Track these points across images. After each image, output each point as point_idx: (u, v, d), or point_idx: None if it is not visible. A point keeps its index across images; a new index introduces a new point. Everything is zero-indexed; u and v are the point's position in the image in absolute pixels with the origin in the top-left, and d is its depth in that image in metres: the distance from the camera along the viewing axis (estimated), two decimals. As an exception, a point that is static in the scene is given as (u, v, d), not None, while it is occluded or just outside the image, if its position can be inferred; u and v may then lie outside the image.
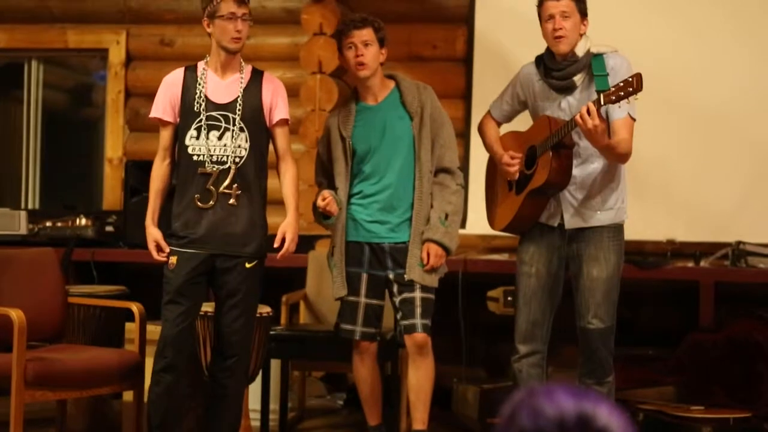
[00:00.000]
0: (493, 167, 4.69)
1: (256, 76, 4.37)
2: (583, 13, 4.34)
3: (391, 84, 4.60)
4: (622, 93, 4.05)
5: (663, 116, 5.92)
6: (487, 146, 4.65)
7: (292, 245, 4.32)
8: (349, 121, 4.54)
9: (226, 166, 4.26)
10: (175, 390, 4.29)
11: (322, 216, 4.49)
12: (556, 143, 4.27)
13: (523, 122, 4.66)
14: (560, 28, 4.28)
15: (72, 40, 6.99)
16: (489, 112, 4.66)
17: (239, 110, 4.29)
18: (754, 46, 6.07)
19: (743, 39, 6.06)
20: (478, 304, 5.67)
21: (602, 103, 4.08)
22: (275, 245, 4.31)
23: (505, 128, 4.68)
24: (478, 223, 5.24)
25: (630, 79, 4.04)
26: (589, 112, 4.06)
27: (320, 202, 4.41)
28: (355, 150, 4.52)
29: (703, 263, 5.70)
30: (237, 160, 4.27)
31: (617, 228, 4.40)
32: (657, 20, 6.11)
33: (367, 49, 4.47)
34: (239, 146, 4.28)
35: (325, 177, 4.62)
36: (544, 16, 4.34)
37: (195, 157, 4.28)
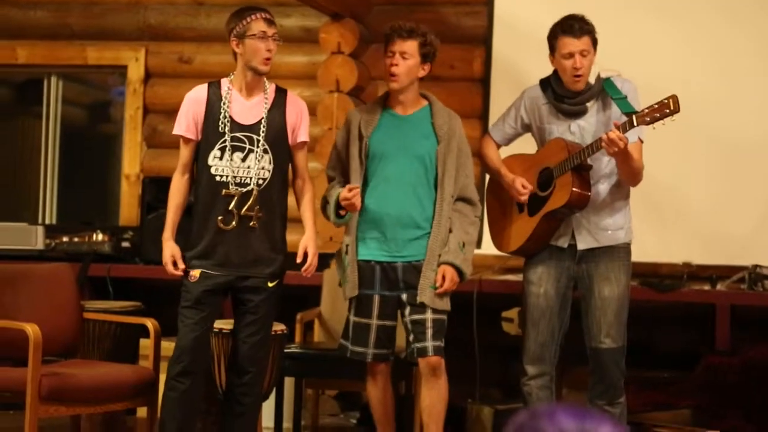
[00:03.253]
0: (497, 189, 4.67)
1: (280, 96, 4.37)
2: (596, 46, 4.34)
3: (424, 102, 4.55)
4: (658, 114, 4.04)
5: (679, 140, 5.90)
6: (492, 169, 4.64)
7: (315, 259, 4.33)
8: (372, 122, 4.48)
9: (249, 188, 4.26)
10: (190, 397, 4.27)
11: (336, 214, 4.43)
12: (577, 165, 4.27)
13: (521, 145, 4.66)
14: (580, 68, 4.27)
15: (91, 57, 7.03)
16: (489, 135, 4.66)
17: (263, 132, 4.28)
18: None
19: (762, 64, 6.05)
20: (493, 324, 5.66)
21: (635, 124, 4.08)
22: (298, 261, 4.32)
23: (504, 152, 4.68)
24: (493, 244, 5.21)
25: (665, 101, 4.03)
26: (614, 137, 4.07)
27: (346, 194, 4.32)
28: (369, 152, 4.47)
29: (719, 286, 5.68)
30: (260, 182, 4.27)
31: (626, 248, 4.42)
32: (674, 45, 6.11)
33: (404, 61, 4.39)
34: (263, 168, 4.28)
35: (337, 170, 4.55)
36: (561, 52, 4.30)
37: (218, 178, 4.27)
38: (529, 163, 4.52)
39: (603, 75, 4.33)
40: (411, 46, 4.40)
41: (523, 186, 4.46)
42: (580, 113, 4.36)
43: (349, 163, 4.49)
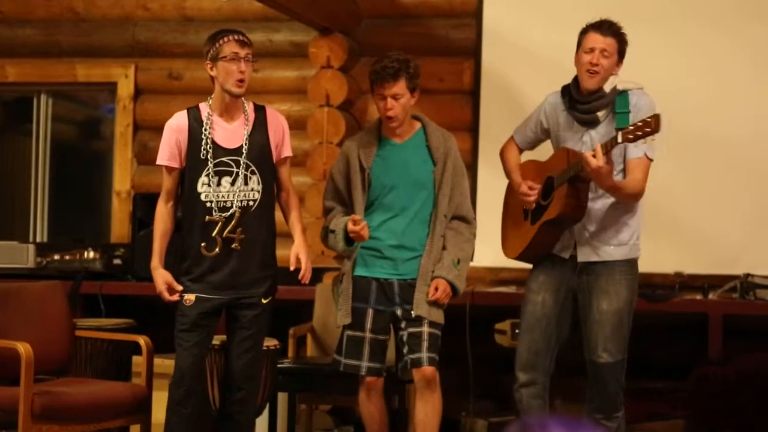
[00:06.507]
0: (510, 194, 4.68)
1: (260, 114, 4.37)
2: (621, 56, 4.33)
3: (417, 125, 4.56)
4: (640, 133, 4.03)
5: (671, 149, 5.90)
6: (507, 172, 4.63)
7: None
8: (371, 153, 4.49)
9: (231, 211, 4.26)
10: (193, 420, 4.28)
11: (345, 241, 4.43)
12: (573, 176, 4.26)
13: (546, 150, 4.65)
14: (596, 64, 4.25)
15: (81, 74, 7.02)
16: (513, 138, 4.64)
17: (247, 153, 4.28)
18: (763, 78, 6.06)
19: (753, 71, 6.06)
20: (486, 336, 5.66)
21: (619, 140, 4.07)
22: (291, 268, 4.31)
23: (524, 156, 4.67)
24: (486, 256, 5.23)
25: (648, 120, 4.03)
26: (594, 153, 4.07)
27: (353, 227, 4.34)
28: (372, 183, 4.49)
29: (711, 296, 5.68)
30: (251, 203, 4.27)
31: (630, 263, 4.39)
32: (664, 51, 6.12)
33: (397, 102, 4.41)
34: (252, 189, 4.29)
35: (335, 200, 4.56)
36: (584, 46, 4.29)
37: (208, 204, 4.27)
38: (540, 170, 4.51)
39: (621, 87, 4.32)
40: (400, 87, 4.41)
41: (530, 188, 4.44)
42: (592, 123, 4.34)
43: (351, 194, 4.50)
